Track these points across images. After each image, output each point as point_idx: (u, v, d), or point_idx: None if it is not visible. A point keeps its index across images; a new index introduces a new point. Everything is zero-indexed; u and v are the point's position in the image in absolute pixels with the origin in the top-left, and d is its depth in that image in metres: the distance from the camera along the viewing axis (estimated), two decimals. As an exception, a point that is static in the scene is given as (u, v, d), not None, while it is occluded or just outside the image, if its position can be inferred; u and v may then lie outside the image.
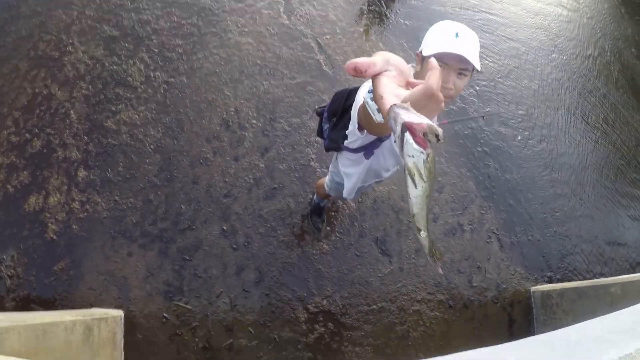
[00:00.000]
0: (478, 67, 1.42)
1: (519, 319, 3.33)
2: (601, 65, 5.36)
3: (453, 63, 1.40)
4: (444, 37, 1.41)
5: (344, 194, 2.09)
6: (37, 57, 3.45)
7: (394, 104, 0.67)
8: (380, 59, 0.75)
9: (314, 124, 3.39)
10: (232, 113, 3.38)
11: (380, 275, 3.04)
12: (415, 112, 0.66)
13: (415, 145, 0.66)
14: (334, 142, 1.91)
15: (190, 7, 3.99)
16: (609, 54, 5.64)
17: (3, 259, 2.70)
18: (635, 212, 4.33)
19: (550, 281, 3.56)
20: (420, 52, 1.49)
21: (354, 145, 1.65)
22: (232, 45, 3.81)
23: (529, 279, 3.51)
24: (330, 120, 1.98)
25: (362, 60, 0.72)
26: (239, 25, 3.97)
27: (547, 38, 5.29)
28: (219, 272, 2.81)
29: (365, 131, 1.36)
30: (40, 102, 3.24)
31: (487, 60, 4.60)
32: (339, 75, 3.80)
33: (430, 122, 0.64)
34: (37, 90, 3.29)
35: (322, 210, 2.97)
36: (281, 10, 4.21)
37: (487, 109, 4.16)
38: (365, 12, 4.51)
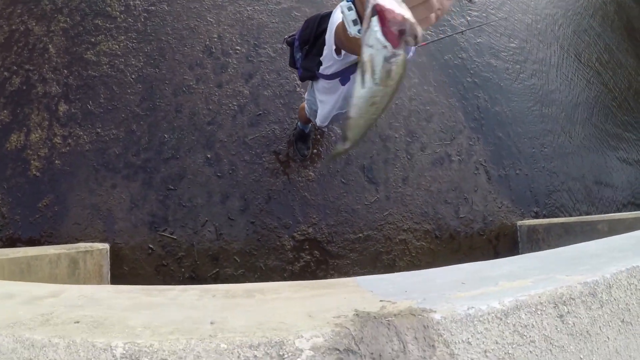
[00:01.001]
0: None
1: (504, 252, 3.32)
2: (597, 4, 5.10)
3: None
4: None
5: (317, 122, 2.05)
6: (11, -7, 3.40)
7: None
8: None
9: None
10: (215, 39, 3.29)
11: (366, 203, 3.02)
12: (399, 2, 0.56)
13: (379, 35, 0.56)
14: (309, 70, 1.86)
15: None
16: None
17: (-13, 200, 2.77)
18: (624, 154, 4.28)
19: (536, 217, 3.54)
20: None
21: (330, 71, 1.63)
22: (215, -32, 3.67)
23: (515, 213, 3.48)
24: (302, 48, 1.93)
25: None
26: (223, -53, 3.81)
27: None
28: (204, 201, 2.83)
29: (342, 54, 1.33)
30: (17, 39, 3.20)
31: None
32: (325, 0, 3.64)
33: (412, 19, 0.55)
34: (13, 27, 3.24)
35: (307, 137, 2.92)
36: None
37: (477, 40, 3.99)
38: None
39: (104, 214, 2.80)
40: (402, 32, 0.54)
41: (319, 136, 3.05)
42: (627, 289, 1.46)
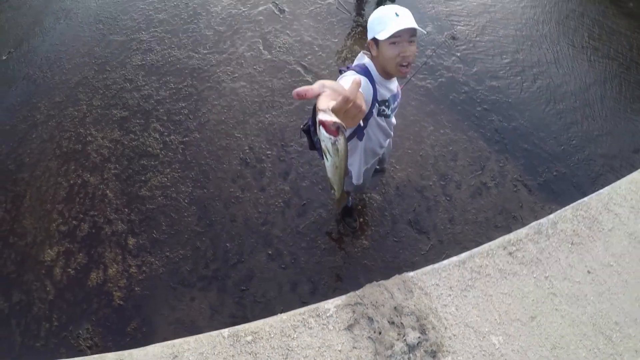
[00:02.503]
0: (423, 31, 1.85)
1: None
2: None
3: (404, 36, 1.83)
4: (388, 20, 1.82)
5: (354, 181, 2.49)
6: (63, 154, 4.02)
7: (319, 110, 1.03)
8: (317, 84, 1.12)
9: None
10: (247, 151, 3.86)
11: (422, 253, 3.36)
12: (330, 114, 1.01)
13: (325, 134, 1.02)
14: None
15: (182, 72, 4.57)
16: None
17: (80, 334, 3.13)
18: None
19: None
20: (373, 39, 1.92)
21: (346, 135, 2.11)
22: (228, 92, 4.34)
23: (566, 211, 3.72)
24: (317, 132, 2.40)
25: (301, 88, 1.07)
26: (229, 73, 4.52)
27: None
28: (276, 292, 3.20)
29: None
30: (77, 191, 3.77)
31: (459, 25, 5.00)
32: None
33: (334, 121, 1.00)
34: (72, 182, 3.83)
35: (351, 210, 3.37)
36: (261, 48, 4.76)
37: (474, 70, 4.49)
38: (334, 23, 5.04)
39: (188, 326, 3.15)
40: (337, 128, 1.00)
41: (360, 206, 3.49)
42: (573, 220, 1.99)
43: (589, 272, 2.23)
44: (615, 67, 4.75)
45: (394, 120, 2.29)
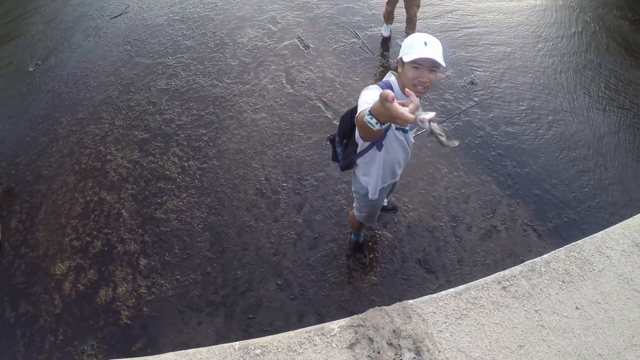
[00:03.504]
0: (443, 64, 2.03)
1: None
2: (588, 37, 5.87)
3: (425, 64, 2.02)
4: (417, 46, 2.00)
5: (370, 196, 2.62)
6: (81, 170, 4.22)
7: (422, 115, 1.44)
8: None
9: (338, 174, 4.00)
10: (264, 181, 4.03)
11: (430, 292, 3.43)
12: (424, 113, 1.44)
13: (435, 126, 1.42)
14: (348, 158, 2.51)
15: (205, 99, 4.80)
16: (592, 24, 6.15)
17: (84, 349, 3.24)
18: None
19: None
20: (400, 58, 2.12)
21: (365, 146, 2.29)
22: (249, 123, 4.55)
23: (575, 258, 3.79)
24: (341, 142, 2.57)
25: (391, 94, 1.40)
26: (251, 104, 4.75)
27: (529, 32, 5.89)
28: (283, 322, 3.31)
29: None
30: (93, 208, 3.94)
31: (478, 70, 5.19)
32: None
33: (432, 115, 1.44)
34: (88, 198, 4.01)
35: (362, 246, 3.50)
36: (284, 81, 5.00)
37: (490, 115, 4.66)
38: (357, 62, 5.27)
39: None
40: (432, 120, 1.37)
41: (371, 243, 3.62)
42: (566, 260, 2.19)
43: (577, 308, 2.40)
44: (630, 118, 4.89)
45: (412, 138, 2.47)
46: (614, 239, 2.75)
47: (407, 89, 1.76)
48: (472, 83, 5.03)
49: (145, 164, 4.21)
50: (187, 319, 3.33)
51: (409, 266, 3.46)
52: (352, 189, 2.80)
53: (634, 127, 4.74)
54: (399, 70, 2.14)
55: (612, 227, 2.87)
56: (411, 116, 1.40)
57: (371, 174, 2.50)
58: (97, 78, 5.23)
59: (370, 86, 2.13)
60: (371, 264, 3.46)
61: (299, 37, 5.64)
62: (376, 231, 3.65)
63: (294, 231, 3.66)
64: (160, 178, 4.09)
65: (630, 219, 2.92)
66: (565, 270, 2.56)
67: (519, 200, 3.94)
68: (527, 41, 5.72)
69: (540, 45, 5.68)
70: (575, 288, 2.48)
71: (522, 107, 4.80)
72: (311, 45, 5.51)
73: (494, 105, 4.80)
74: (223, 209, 3.84)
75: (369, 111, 1.58)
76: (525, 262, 2.63)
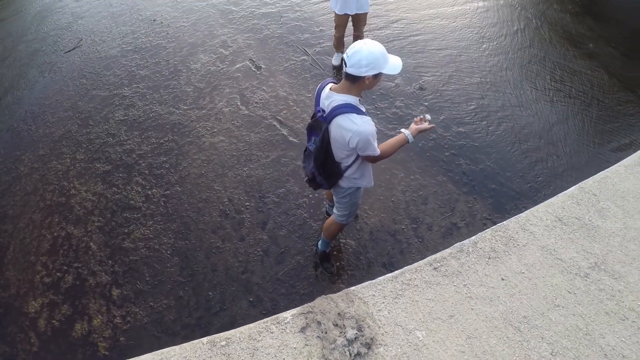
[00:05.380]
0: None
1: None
2: (531, 33, 6.18)
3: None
4: (391, 59, 2.35)
5: (367, 184, 2.86)
6: (47, 207, 4.21)
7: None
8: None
9: (298, 189, 4.12)
10: (227, 202, 4.12)
11: None
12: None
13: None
14: (333, 177, 2.72)
15: (163, 127, 4.86)
16: (534, 20, 6.48)
17: (66, 386, 3.27)
18: (613, 144, 4.72)
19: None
20: (379, 73, 2.33)
21: (353, 160, 2.61)
22: (208, 147, 4.63)
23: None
24: (320, 172, 2.72)
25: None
26: (208, 128, 4.83)
27: (473, 33, 6.17)
28: (257, 337, 3.42)
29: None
30: (61, 243, 3.94)
31: (426, 76, 5.41)
32: (304, 141, 4.54)
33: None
34: (55, 234, 4.01)
35: (329, 256, 3.61)
36: (239, 103, 5.10)
37: (441, 117, 4.87)
38: (308, 78, 5.43)
39: (172, 374, 3.32)
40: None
41: (336, 252, 3.72)
42: (492, 239, 2.50)
43: (502, 279, 2.73)
44: (577, 106, 5.17)
45: None
46: (537, 217, 3.04)
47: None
48: (421, 89, 5.23)
49: (109, 196, 4.23)
50: (164, 344, 3.34)
51: (375, 270, 3.59)
52: (337, 197, 2.97)
53: (582, 114, 5.03)
54: (368, 82, 2.33)
55: (536, 206, 3.18)
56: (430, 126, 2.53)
57: (366, 172, 2.75)
58: (55, 113, 5.22)
59: (355, 120, 2.35)
60: (338, 272, 3.60)
61: (250, 59, 5.75)
62: (340, 240, 3.78)
63: (260, 248, 3.76)
64: (125, 208, 4.12)
65: (553, 197, 3.20)
66: (492, 248, 2.85)
67: (475, 196, 4.13)
68: (471, 43, 5.99)
69: (484, 46, 5.95)
70: (501, 262, 2.78)
71: (472, 107, 5.03)
72: (263, 66, 5.63)
73: (444, 107, 5.01)
74: (189, 233, 3.91)
75: (412, 136, 2.60)
76: (454, 245, 2.89)
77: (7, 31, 7.06)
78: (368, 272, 3.59)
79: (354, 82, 2.34)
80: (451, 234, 3.83)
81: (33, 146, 4.86)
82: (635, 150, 3.98)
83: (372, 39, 2.36)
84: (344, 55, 2.32)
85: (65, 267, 3.78)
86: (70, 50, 6.29)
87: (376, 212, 3.98)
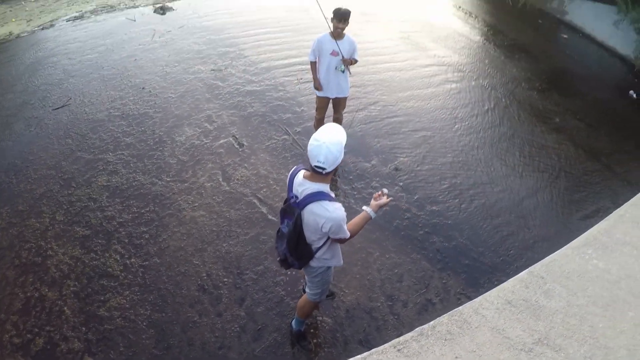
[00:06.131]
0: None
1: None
2: (500, 112, 6.83)
3: None
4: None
5: (336, 263, 3.16)
6: (22, 265, 4.34)
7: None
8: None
9: (275, 267, 4.36)
10: (205, 277, 4.35)
11: None
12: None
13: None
14: (304, 258, 3.00)
15: (145, 197, 5.13)
16: (503, 99, 7.21)
17: None
18: (582, 212, 5.15)
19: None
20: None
21: (323, 242, 2.93)
22: (188, 220, 4.91)
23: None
24: (292, 254, 3.00)
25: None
26: (190, 202, 5.13)
27: (446, 114, 6.80)
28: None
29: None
30: (34, 304, 4.03)
31: (401, 157, 5.87)
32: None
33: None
34: (29, 294, 4.11)
35: (304, 334, 3.79)
36: (220, 179, 5.44)
37: (415, 197, 5.26)
38: (289, 158, 5.85)
39: None
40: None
41: (312, 330, 3.91)
42: (448, 323, 2.96)
43: (456, 357, 3.02)
44: (545, 179, 5.67)
45: None
46: (489, 301, 3.48)
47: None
48: (396, 169, 5.68)
49: (87, 261, 4.40)
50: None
51: (351, 348, 3.79)
52: (309, 277, 3.24)
53: (551, 186, 5.56)
54: (331, 175, 2.78)
55: (489, 292, 3.56)
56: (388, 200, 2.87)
57: (335, 252, 3.07)
58: (38, 170, 5.42)
59: (328, 207, 2.69)
60: (315, 350, 3.79)
61: (233, 136, 6.16)
62: (317, 318, 4.00)
63: (237, 324, 3.97)
64: (102, 275, 4.29)
65: (505, 282, 3.62)
66: (448, 330, 3.25)
67: (449, 272, 4.42)
68: (444, 124, 6.61)
69: (457, 126, 6.57)
70: (456, 343, 3.19)
71: (444, 186, 5.48)
72: (245, 143, 6.04)
73: (418, 187, 5.44)
74: (166, 305, 4.09)
75: (374, 212, 2.91)
76: (415, 329, 3.26)
77: (-3, 77, 7.34)
78: (345, 349, 3.80)
79: (325, 173, 2.70)
80: (426, 310, 4.07)
81: (12, 200, 5.02)
82: (602, 218, 4.39)
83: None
84: (316, 162, 2.61)
85: (37, 330, 3.86)
86: (58, 108, 6.61)
87: (352, 291, 4.25)
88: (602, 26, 9.96)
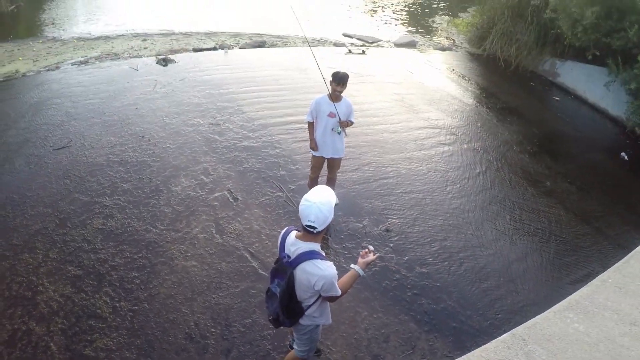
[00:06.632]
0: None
1: None
2: (492, 175, 7.10)
3: None
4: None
5: (325, 322, 3.33)
6: (11, 297, 4.44)
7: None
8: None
9: (263, 320, 4.49)
10: (193, 326, 4.47)
11: None
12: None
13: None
14: (295, 316, 3.16)
15: (139, 243, 5.31)
16: (495, 162, 7.52)
17: None
18: (571, 277, 5.33)
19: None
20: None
21: (312, 300, 3.10)
22: (180, 270, 5.07)
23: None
24: (284, 312, 3.13)
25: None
26: (182, 251, 5.31)
27: (438, 177, 7.09)
28: None
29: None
30: (20, 337, 4.11)
31: (392, 218, 6.11)
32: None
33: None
34: (16, 327, 4.19)
35: None
36: (213, 231, 5.65)
37: (405, 258, 5.36)
38: (282, 214, 6.07)
39: None
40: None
41: None
42: None
43: None
44: (535, 242, 5.85)
45: None
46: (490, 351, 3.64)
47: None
48: (387, 230, 5.89)
49: (77, 300, 4.52)
50: None
51: None
52: (298, 334, 3.40)
53: (540, 250, 5.77)
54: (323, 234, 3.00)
55: (472, 352, 3.74)
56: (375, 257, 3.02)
57: (325, 311, 3.25)
58: (35, 207, 5.60)
59: (320, 265, 2.90)
60: None
61: (228, 190, 6.41)
62: None
63: (222, 376, 4.10)
64: (91, 316, 4.40)
65: (487, 343, 3.81)
66: None
67: (436, 334, 4.49)
68: (436, 186, 6.90)
69: (448, 189, 6.86)
70: None
71: (435, 248, 5.67)
72: (240, 198, 6.28)
73: (408, 249, 5.63)
74: (153, 351, 4.19)
75: (362, 270, 3.04)
76: None
77: (1, 113, 7.70)
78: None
79: (316, 233, 2.90)
80: None
81: (7, 234, 5.17)
82: (592, 279, 4.61)
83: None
84: (307, 222, 2.77)
85: (21, 365, 3.94)
86: (59, 149, 6.87)
87: (339, 349, 4.36)
88: (594, 88, 10.67)
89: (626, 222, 6.71)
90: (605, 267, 5.04)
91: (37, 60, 10.73)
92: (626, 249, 5.73)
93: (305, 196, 2.86)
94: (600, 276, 4.66)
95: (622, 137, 9.56)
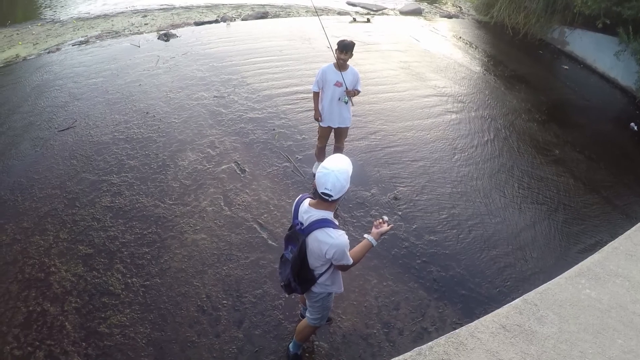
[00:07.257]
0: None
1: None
2: (500, 143, 7.08)
3: None
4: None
5: (337, 290, 3.37)
6: (25, 280, 4.53)
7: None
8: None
9: (274, 290, 4.57)
10: (205, 299, 4.56)
11: None
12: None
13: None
14: (307, 283, 3.20)
15: (148, 219, 5.37)
16: (503, 130, 7.49)
17: None
18: (579, 246, 5.37)
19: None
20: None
21: (326, 268, 3.14)
22: (190, 243, 5.14)
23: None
24: (296, 279, 3.20)
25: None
26: (191, 225, 5.37)
27: (446, 145, 7.09)
28: None
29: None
30: (36, 318, 4.21)
31: (401, 186, 6.14)
32: (282, 245, 5.01)
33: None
34: (31, 308, 4.29)
35: (301, 357, 3.97)
36: (222, 204, 5.69)
37: (414, 226, 5.44)
38: (289, 185, 6.10)
39: None
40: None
41: (308, 354, 4.08)
42: (445, 345, 3.40)
43: None
44: (544, 211, 5.87)
45: None
46: (485, 325, 3.69)
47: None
48: (395, 198, 5.93)
49: (89, 279, 4.61)
50: None
51: None
52: (310, 302, 3.43)
53: (549, 219, 5.78)
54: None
55: (484, 317, 3.77)
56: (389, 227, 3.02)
57: (337, 279, 3.27)
58: (43, 189, 5.69)
59: (332, 233, 2.90)
60: None
61: (235, 162, 6.45)
62: (314, 343, 4.18)
63: (235, 345, 4.15)
64: (104, 293, 4.49)
65: (500, 308, 3.84)
66: (445, 351, 3.48)
67: (446, 301, 4.58)
68: (444, 154, 6.91)
69: (456, 157, 6.87)
70: None
71: (443, 216, 5.71)
72: (247, 169, 6.32)
73: (416, 216, 5.67)
74: (166, 325, 4.27)
75: (374, 239, 3.05)
76: (414, 349, 3.44)
77: (4, 98, 7.72)
78: (339, 378, 3.95)
79: (331, 201, 2.92)
80: (422, 338, 4.13)
81: (17, 217, 5.26)
82: (600, 248, 4.62)
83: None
84: (324, 189, 2.79)
85: (38, 343, 4.03)
86: (64, 130, 6.94)
87: (349, 317, 4.43)
88: (603, 57, 10.51)
89: (635, 193, 6.67)
90: (613, 236, 4.99)
91: (37, 43, 10.76)
92: (634, 219, 5.73)
93: (323, 163, 2.88)
94: (611, 243, 4.65)
95: (632, 107, 9.42)
